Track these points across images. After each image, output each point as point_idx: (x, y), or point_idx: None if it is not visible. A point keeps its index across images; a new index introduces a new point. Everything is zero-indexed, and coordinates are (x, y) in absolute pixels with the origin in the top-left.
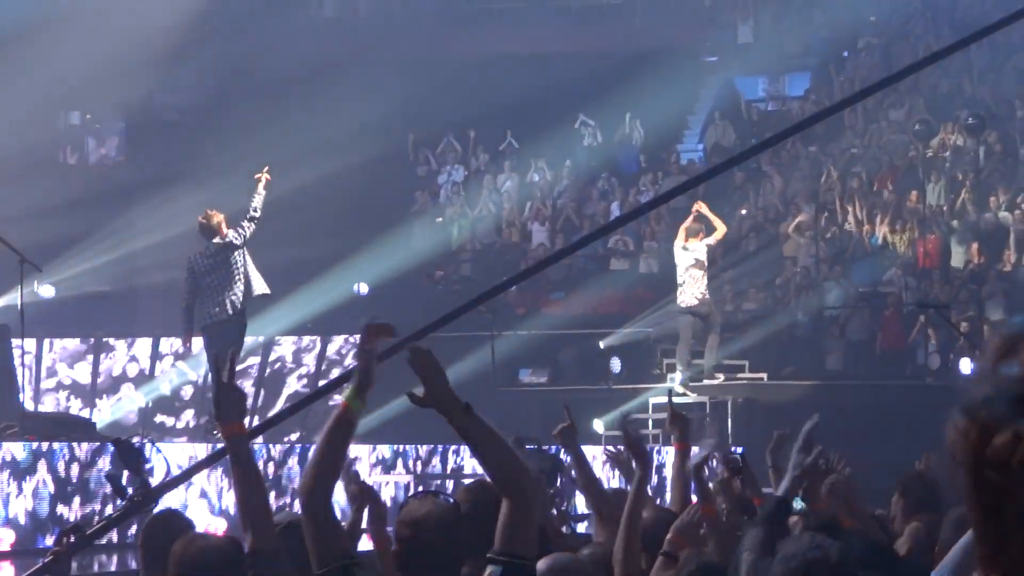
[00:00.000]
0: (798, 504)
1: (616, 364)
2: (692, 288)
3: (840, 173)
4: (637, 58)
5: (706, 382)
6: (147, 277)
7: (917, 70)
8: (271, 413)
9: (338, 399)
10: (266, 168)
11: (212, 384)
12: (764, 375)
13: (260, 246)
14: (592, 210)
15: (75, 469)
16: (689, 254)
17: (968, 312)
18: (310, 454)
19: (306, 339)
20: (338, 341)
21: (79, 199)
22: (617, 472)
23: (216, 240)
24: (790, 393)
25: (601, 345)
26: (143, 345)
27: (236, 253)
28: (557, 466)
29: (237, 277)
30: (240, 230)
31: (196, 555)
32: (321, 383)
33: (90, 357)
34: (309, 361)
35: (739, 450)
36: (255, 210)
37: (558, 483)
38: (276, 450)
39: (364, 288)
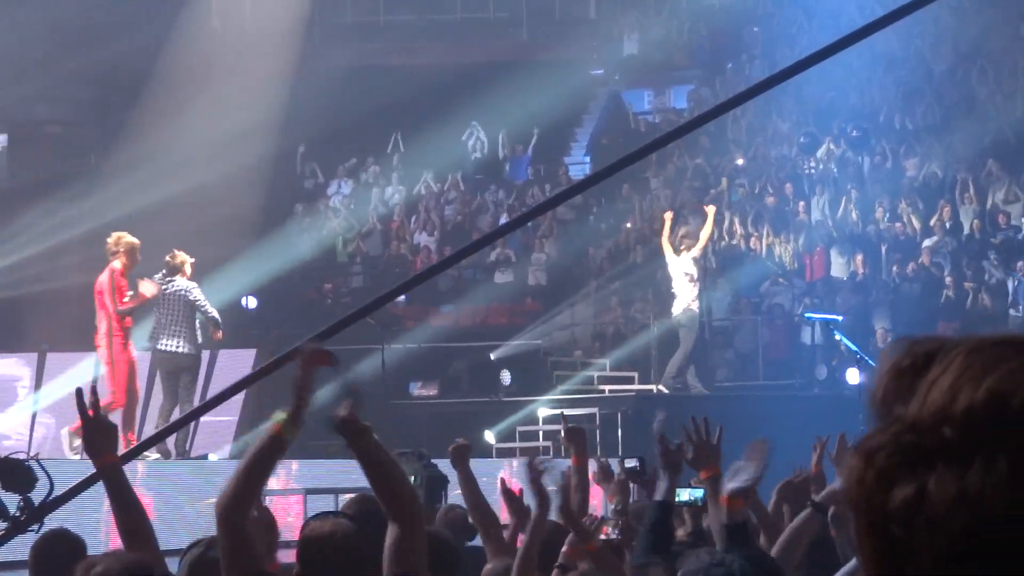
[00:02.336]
0: (694, 495)
1: (506, 376)
2: (680, 299)
3: (727, 185)
4: (524, 70)
5: (594, 395)
6: (33, 288)
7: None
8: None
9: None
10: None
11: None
12: (653, 386)
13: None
14: (481, 222)
15: None
16: (678, 266)
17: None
18: (234, 470)
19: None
20: (221, 356)
21: None
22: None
23: (176, 281)
24: (679, 404)
25: (492, 357)
26: (29, 360)
27: (187, 303)
28: (441, 481)
29: (196, 315)
30: (198, 294)
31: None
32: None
33: None
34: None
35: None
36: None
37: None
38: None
39: (252, 302)
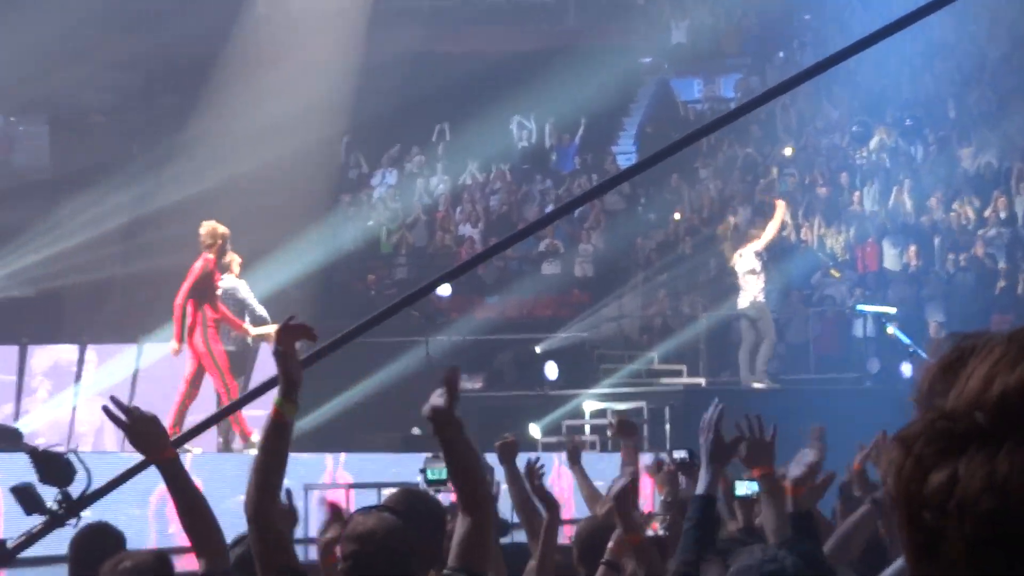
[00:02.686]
0: (751, 488)
1: (552, 369)
2: (746, 292)
3: (777, 174)
4: (571, 58)
5: (642, 388)
6: (74, 279)
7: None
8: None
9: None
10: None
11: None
12: (702, 380)
13: (175, 246)
14: (526, 212)
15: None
16: (743, 261)
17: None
18: (250, 468)
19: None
20: (262, 349)
21: (2, 201)
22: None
23: (224, 279)
24: (728, 398)
25: (537, 350)
26: (69, 351)
27: (236, 302)
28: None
29: (245, 314)
30: (247, 292)
31: (124, 574)
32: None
33: (14, 364)
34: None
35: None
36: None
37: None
38: None
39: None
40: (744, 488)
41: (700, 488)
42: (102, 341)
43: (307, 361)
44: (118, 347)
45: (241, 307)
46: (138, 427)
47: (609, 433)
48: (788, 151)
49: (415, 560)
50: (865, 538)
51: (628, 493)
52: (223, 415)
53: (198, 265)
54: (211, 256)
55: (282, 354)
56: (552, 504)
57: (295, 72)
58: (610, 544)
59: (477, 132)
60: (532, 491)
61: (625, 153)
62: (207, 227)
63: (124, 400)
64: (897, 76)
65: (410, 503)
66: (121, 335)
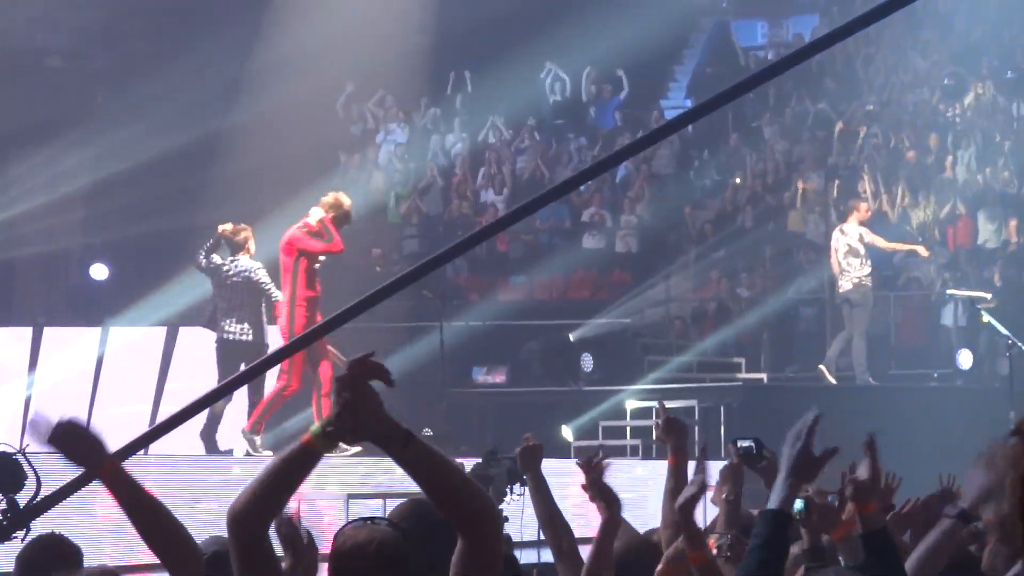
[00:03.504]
0: (798, 504)
1: (588, 361)
2: (847, 276)
3: (854, 135)
4: None
5: (693, 384)
6: (27, 251)
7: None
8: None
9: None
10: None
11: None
12: (763, 375)
13: (147, 213)
14: (559, 176)
15: None
16: (844, 238)
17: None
18: (255, 476)
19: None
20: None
21: None
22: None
23: (239, 260)
24: (794, 397)
25: (571, 338)
26: (21, 336)
27: (252, 284)
28: (514, 475)
29: (261, 299)
30: (263, 275)
31: None
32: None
33: None
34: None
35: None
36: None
37: (512, 493)
38: None
39: None
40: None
41: (773, 502)
42: (60, 323)
43: (293, 347)
44: (79, 331)
45: (257, 291)
46: (69, 437)
47: (655, 433)
48: (870, 107)
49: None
50: (946, 557)
51: (694, 502)
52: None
53: (297, 229)
54: (320, 212)
55: (347, 389)
56: (612, 500)
57: (286, 12)
58: (659, 567)
59: (502, 82)
60: (591, 486)
61: (675, 108)
62: (331, 196)
63: (87, 392)
64: (997, 21)
65: (419, 515)
66: (81, 317)
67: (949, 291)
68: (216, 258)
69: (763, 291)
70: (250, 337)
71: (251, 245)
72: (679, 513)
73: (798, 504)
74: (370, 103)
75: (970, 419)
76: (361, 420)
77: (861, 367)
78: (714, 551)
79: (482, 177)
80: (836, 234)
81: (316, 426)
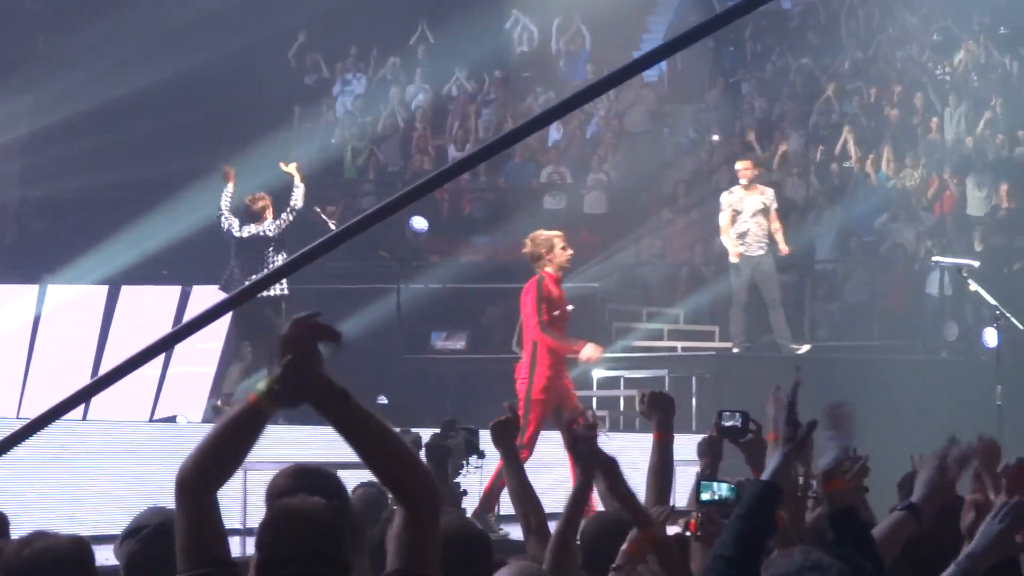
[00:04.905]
0: (723, 490)
1: None
2: (755, 238)
3: (838, 93)
4: None
5: (663, 353)
6: None
7: None
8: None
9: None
10: (294, 165)
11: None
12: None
13: (88, 165)
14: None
15: None
16: (752, 197)
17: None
18: (202, 438)
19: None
20: (194, 294)
21: None
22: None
23: (252, 227)
24: (771, 368)
25: None
26: None
27: (269, 248)
28: (471, 446)
29: (269, 264)
30: (280, 223)
31: (33, 559)
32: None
33: None
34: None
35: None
36: (296, 202)
37: (467, 466)
38: None
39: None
40: (708, 493)
41: (766, 473)
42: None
43: (224, 306)
44: (13, 288)
45: (277, 249)
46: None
47: (639, 408)
48: (851, 63)
49: (345, 548)
50: (896, 549)
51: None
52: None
53: (529, 286)
54: (550, 271)
55: (290, 347)
56: (590, 467)
57: None
58: (624, 546)
59: (466, 31)
60: (576, 448)
61: None
62: (543, 236)
63: (23, 352)
64: None
65: (309, 482)
66: (18, 274)
67: (934, 258)
68: (234, 222)
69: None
70: (276, 292)
71: (268, 213)
72: (614, 489)
73: (727, 491)
74: (325, 52)
75: (954, 393)
76: (302, 380)
77: (785, 337)
78: (695, 531)
79: (443, 132)
80: (739, 193)
81: (261, 385)
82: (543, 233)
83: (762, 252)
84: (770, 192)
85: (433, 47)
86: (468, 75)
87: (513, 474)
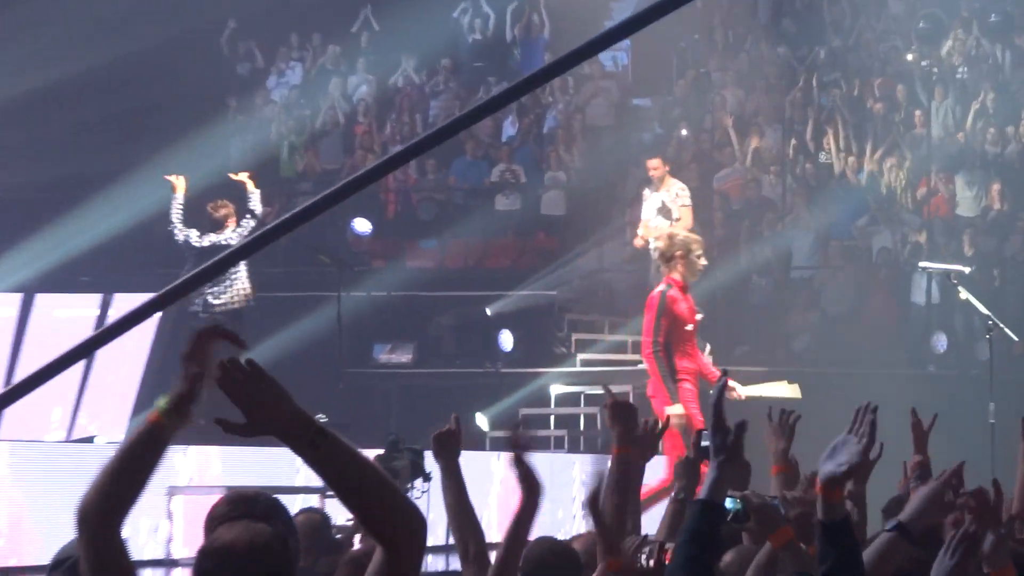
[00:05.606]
0: (731, 504)
1: (507, 339)
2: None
3: (817, 84)
4: None
5: (627, 367)
6: None
7: None
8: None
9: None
10: (245, 173)
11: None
12: (709, 356)
13: (3, 163)
14: (479, 127)
15: None
16: (658, 194)
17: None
18: (102, 465)
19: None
20: (116, 301)
21: None
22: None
23: (214, 236)
24: (745, 381)
25: (487, 312)
26: None
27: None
28: (417, 467)
29: (225, 280)
30: (242, 230)
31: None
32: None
33: None
34: (83, 330)
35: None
36: (256, 207)
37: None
38: None
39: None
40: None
41: (704, 491)
42: None
43: (139, 314)
44: None
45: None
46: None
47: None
48: (826, 53)
49: None
50: (890, 571)
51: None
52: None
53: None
54: (676, 277)
55: (191, 357)
56: (533, 488)
57: None
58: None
59: (413, 17)
60: (513, 465)
61: (611, 50)
62: (669, 236)
63: None
64: None
65: (251, 508)
66: None
67: (922, 264)
68: (191, 233)
69: (710, 260)
70: (238, 304)
71: (231, 222)
72: (586, 510)
73: (732, 503)
74: (260, 39)
75: (943, 411)
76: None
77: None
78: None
79: (389, 126)
80: (648, 191)
81: (162, 401)
82: (682, 233)
83: None
84: (677, 188)
85: (378, 35)
86: (415, 65)
87: (453, 493)
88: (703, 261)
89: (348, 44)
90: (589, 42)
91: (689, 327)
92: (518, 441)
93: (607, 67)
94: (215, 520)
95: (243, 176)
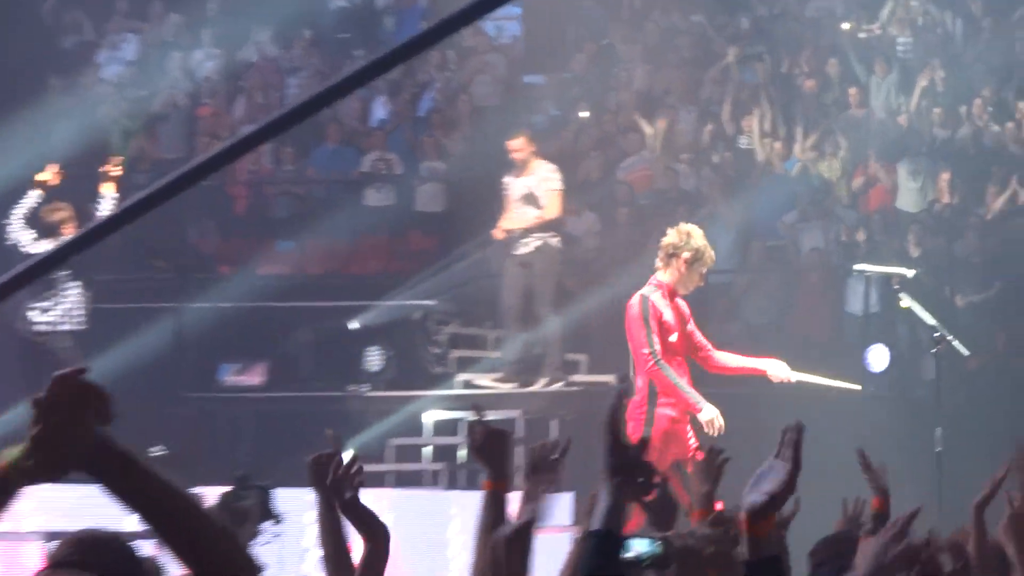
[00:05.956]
0: (648, 547)
1: (376, 357)
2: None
3: (737, 59)
4: None
5: (513, 388)
6: None
7: None
8: None
9: None
10: (116, 161)
11: None
12: (612, 376)
13: None
14: (345, 107)
15: None
16: (520, 180)
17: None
18: None
19: None
20: None
21: None
22: None
23: (46, 243)
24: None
25: (353, 325)
26: None
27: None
28: (266, 509)
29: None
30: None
31: None
32: None
33: None
34: None
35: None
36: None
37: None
38: None
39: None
40: (635, 549)
41: (597, 520)
42: None
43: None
44: None
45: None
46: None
47: (468, 445)
48: (749, 21)
49: None
50: None
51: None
52: None
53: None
54: (665, 278)
55: (45, 410)
56: (377, 530)
57: None
58: None
59: None
60: (343, 510)
61: (497, 17)
62: (681, 231)
63: None
64: None
65: (93, 553)
66: None
67: (858, 267)
68: (24, 236)
69: (613, 264)
70: (67, 327)
71: (66, 228)
72: (500, 555)
73: (651, 546)
74: (88, 7)
75: (883, 438)
76: (64, 448)
77: (557, 361)
78: None
79: (239, 107)
80: (509, 178)
81: (13, 453)
82: (697, 231)
83: (529, 249)
84: (545, 171)
85: (227, 2)
86: (271, 37)
87: (328, 525)
88: (703, 280)
89: (192, 13)
90: (472, 4)
91: (674, 337)
92: (346, 480)
93: (494, 39)
94: (51, 563)
95: (49, 174)
